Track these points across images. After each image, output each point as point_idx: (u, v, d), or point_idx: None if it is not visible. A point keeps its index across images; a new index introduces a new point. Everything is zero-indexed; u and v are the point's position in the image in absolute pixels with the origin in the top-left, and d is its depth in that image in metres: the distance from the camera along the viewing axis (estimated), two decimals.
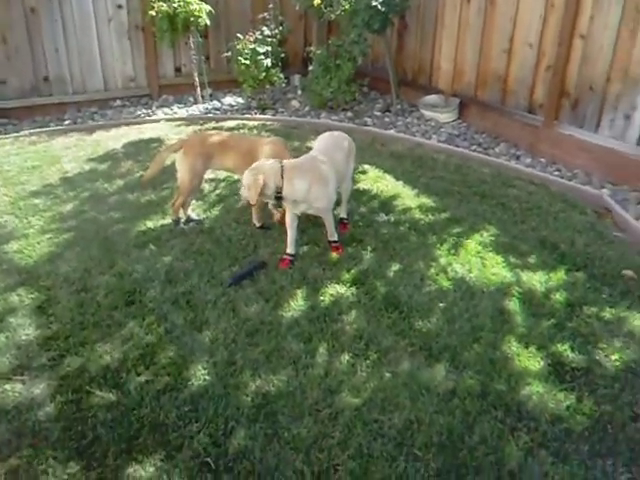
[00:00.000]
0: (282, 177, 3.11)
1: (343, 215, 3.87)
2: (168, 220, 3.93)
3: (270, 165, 3.16)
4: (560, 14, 5.27)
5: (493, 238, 3.76)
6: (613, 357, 2.69)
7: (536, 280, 3.29)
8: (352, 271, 3.32)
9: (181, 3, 6.70)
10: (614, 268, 3.46)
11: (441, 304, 3.05)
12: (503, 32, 5.99)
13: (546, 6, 5.42)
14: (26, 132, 6.34)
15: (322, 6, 6.72)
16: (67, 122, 6.85)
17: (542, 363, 2.63)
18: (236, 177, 4.20)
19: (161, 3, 6.68)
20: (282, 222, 3.57)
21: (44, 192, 4.60)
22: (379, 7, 6.23)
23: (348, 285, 3.18)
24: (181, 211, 3.88)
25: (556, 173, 5.24)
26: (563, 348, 2.72)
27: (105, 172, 5.01)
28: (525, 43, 5.76)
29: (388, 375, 2.55)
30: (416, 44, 7.33)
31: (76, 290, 3.20)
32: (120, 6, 7.31)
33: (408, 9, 6.93)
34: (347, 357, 2.65)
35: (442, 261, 3.47)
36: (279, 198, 3.18)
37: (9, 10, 6.76)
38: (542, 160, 5.54)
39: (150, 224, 3.94)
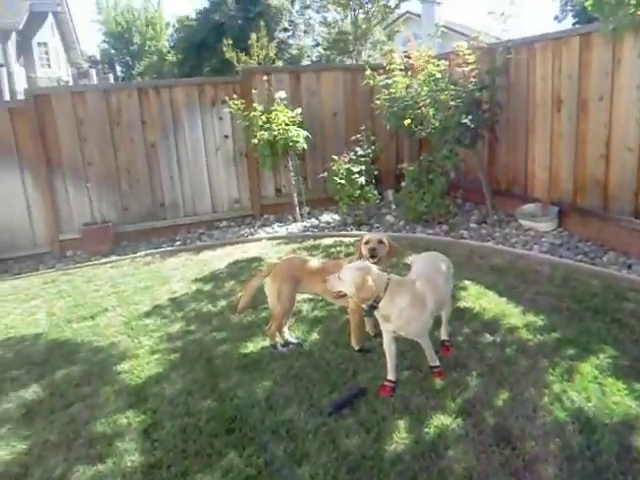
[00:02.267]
0: (385, 290, 3.10)
1: (445, 337, 3.73)
2: (268, 342, 3.99)
3: (380, 274, 3.17)
4: None
5: (611, 361, 3.43)
6: None
7: None
8: (457, 400, 3.13)
9: (281, 130, 7.29)
10: None
11: (558, 439, 2.77)
12: (598, 137, 5.89)
13: None
14: (142, 253, 6.92)
15: (412, 125, 7.00)
16: (178, 243, 7.42)
17: None
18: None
19: (263, 131, 7.30)
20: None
21: (154, 312, 4.89)
22: (469, 123, 6.40)
23: (454, 416, 2.99)
24: (278, 336, 3.93)
25: None
26: None
27: (209, 292, 5.27)
28: (623, 147, 5.60)
29: None
30: (508, 154, 7.37)
31: (180, 414, 3.26)
32: (226, 136, 8.09)
33: (497, 123, 7.07)
34: None
35: (556, 388, 3.19)
36: (373, 307, 3.14)
37: (133, 146, 7.68)
38: None
39: (251, 346, 4.01)
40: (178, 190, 7.99)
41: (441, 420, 2.96)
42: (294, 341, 3.98)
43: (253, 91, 7.65)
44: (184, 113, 7.91)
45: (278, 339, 3.92)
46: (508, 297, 4.48)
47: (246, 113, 7.41)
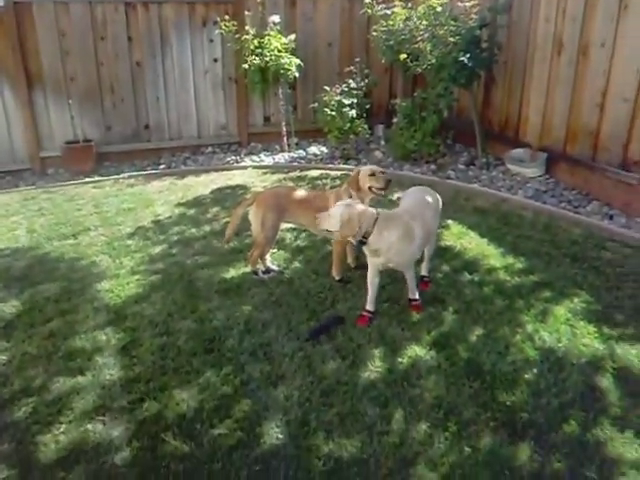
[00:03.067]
0: (374, 225, 3.11)
1: (424, 273, 3.78)
2: (250, 268, 4.00)
3: (369, 211, 3.17)
4: None
5: (585, 305, 3.52)
6: None
7: (633, 354, 3.03)
8: (432, 333, 3.21)
9: (273, 57, 7.04)
10: None
11: (527, 375, 2.87)
12: (595, 85, 5.79)
13: None
14: (125, 175, 6.80)
15: (408, 60, 6.80)
16: (162, 166, 7.30)
17: None
18: None
19: (254, 57, 7.04)
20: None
21: (137, 234, 4.87)
22: (466, 62, 6.23)
23: (428, 348, 3.07)
24: (259, 263, 3.94)
25: None
26: None
27: (193, 217, 5.25)
28: (619, 97, 5.52)
29: (468, 450, 2.40)
30: (503, 97, 7.24)
31: (159, 333, 3.31)
32: (216, 60, 7.81)
33: (495, 63, 6.90)
34: (424, 427, 2.53)
35: (529, 328, 3.28)
36: (362, 243, 3.16)
37: (117, 63, 7.38)
38: (638, 220, 5.21)
39: (232, 271, 4.04)
40: (164, 112, 7.76)
41: (415, 351, 3.04)
42: (275, 268, 4.01)
43: (246, 13, 7.31)
44: (173, 32, 7.58)
45: (259, 266, 3.94)
46: (489, 239, 4.53)
47: (238, 36, 7.12)
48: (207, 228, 4.90)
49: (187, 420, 2.60)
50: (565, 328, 3.28)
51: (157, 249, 4.54)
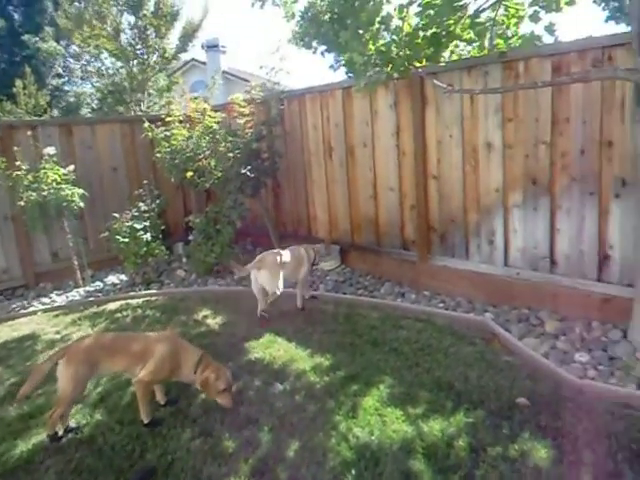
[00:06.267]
0: None
1: None
2: (43, 435, 3.48)
3: None
4: (411, 160, 5.86)
5: (390, 390, 3.71)
6: None
7: (437, 429, 3.23)
8: (250, 460, 3.07)
9: (52, 190, 6.67)
10: (509, 399, 3.51)
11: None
12: (366, 180, 6.50)
13: (398, 154, 6.02)
14: None
15: (195, 177, 6.97)
16: None
17: None
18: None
19: (30, 192, 6.60)
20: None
21: None
22: (249, 174, 6.59)
23: (245, 479, 2.93)
24: (59, 422, 3.48)
25: (441, 305, 5.47)
26: None
27: None
28: (387, 187, 6.26)
29: None
30: (291, 200, 7.75)
31: None
32: None
33: (278, 170, 7.41)
34: None
35: (342, 427, 3.32)
36: None
37: None
38: (426, 293, 5.80)
39: (22, 444, 3.45)
40: None
41: None
42: (74, 426, 3.56)
43: (15, 148, 6.91)
44: None
45: (60, 425, 3.47)
46: (297, 341, 4.61)
47: (8, 172, 6.65)
48: None
49: None
50: (375, 419, 3.39)
51: None
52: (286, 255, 5.24)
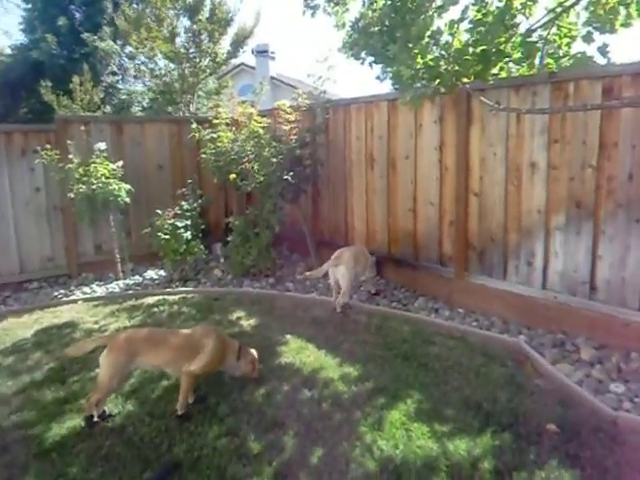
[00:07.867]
0: None
1: None
2: (76, 420, 3.62)
3: None
4: (453, 175, 5.83)
5: (417, 405, 3.70)
6: None
7: (462, 449, 3.20)
8: (274, 463, 3.11)
9: (100, 184, 6.90)
10: (538, 424, 3.45)
11: None
12: (406, 192, 6.49)
13: (440, 169, 6.00)
14: None
15: (238, 180, 7.10)
16: None
17: None
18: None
19: (80, 185, 6.85)
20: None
21: None
22: (290, 180, 6.67)
23: None
24: (95, 407, 3.60)
25: (474, 324, 5.40)
26: None
27: (10, 367, 4.66)
28: (427, 202, 6.24)
29: None
30: (330, 208, 7.80)
31: None
32: (38, 189, 7.43)
33: (319, 178, 7.47)
34: None
35: (367, 439, 3.33)
36: None
37: None
38: (460, 311, 5.74)
39: (56, 427, 3.60)
40: None
41: None
42: (108, 413, 3.68)
43: (68, 142, 7.18)
44: None
45: (94, 411, 3.60)
46: (327, 349, 4.64)
47: (61, 165, 6.92)
48: (27, 379, 4.36)
49: None
50: (401, 433, 3.38)
51: None
52: (358, 253, 5.94)
